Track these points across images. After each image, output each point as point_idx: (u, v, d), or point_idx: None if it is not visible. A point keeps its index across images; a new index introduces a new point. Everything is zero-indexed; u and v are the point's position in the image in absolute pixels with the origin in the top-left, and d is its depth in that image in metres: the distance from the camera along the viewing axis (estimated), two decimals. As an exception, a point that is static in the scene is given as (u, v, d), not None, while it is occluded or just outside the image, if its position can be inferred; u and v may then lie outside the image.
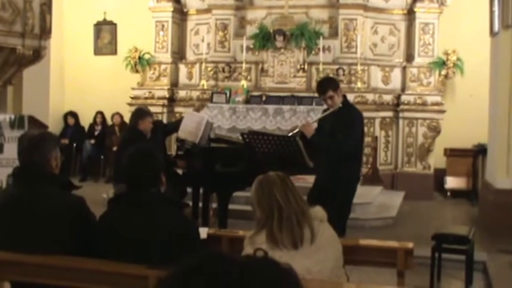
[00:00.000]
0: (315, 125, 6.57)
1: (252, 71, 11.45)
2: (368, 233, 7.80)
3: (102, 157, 12.84)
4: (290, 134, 6.34)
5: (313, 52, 11.13)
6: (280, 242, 3.15)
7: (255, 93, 11.00)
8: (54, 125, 12.07)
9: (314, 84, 10.35)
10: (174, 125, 8.53)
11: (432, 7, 11.34)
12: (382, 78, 11.38)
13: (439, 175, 11.46)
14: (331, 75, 10.92)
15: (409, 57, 11.58)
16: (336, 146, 6.10)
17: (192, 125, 7.70)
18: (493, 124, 8.83)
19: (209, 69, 11.62)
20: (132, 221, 3.27)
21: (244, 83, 11.19)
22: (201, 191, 7.75)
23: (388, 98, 11.26)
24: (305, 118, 7.83)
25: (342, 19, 11.22)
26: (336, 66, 11.06)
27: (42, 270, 3.34)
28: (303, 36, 10.99)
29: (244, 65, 11.26)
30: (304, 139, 6.24)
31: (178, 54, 12.50)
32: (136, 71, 12.47)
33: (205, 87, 11.48)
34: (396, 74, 11.46)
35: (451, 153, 11.58)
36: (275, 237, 3.16)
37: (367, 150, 10.80)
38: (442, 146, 11.49)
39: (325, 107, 6.66)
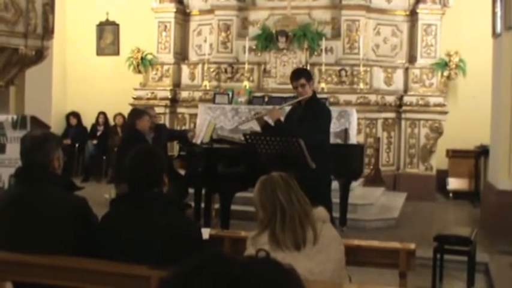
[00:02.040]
0: (282, 111, 6.65)
1: (255, 71, 11.45)
2: (370, 234, 7.79)
3: (104, 158, 12.85)
4: (253, 114, 6.41)
5: (315, 53, 11.13)
6: (283, 243, 3.14)
7: (258, 94, 11.01)
8: (57, 126, 12.09)
9: (316, 85, 10.36)
10: (181, 133, 8.66)
11: (435, 8, 11.34)
12: (384, 79, 11.38)
13: (441, 176, 11.45)
14: (333, 76, 10.98)
15: (412, 58, 11.58)
16: (301, 135, 6.09)
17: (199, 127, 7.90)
18: (495, 125, 8.82)
19: (211, 70, 11.63)
20: (134, 222, 3.27)
21: (246, 83, 11.19)
22: (203, 191, 7.76)
23: (390, 99, 11.26)
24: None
25: (344, 20, 11.22)
26: (339, 67, 11.06)
27: (44, 270, 3.34)
28: (305, 37, 10.99)
29: (246, 66, 11.26)
30: (268, 128, 6.32)
31: (181, 55, 12.51)
32: (139, 72, 12.48)
33: (208, 88, 11.49)
34: (398, 75, 11.45)
35: (453, 154, 11.58)
36: (277, 238, 3.15)
37: (369, 151, 10.82)
38: (444, 147, 11.49)
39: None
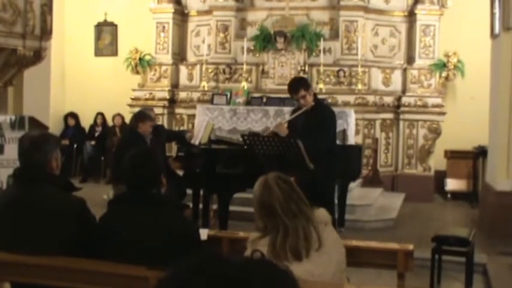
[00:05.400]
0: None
1: (253, 72, 11.45)
2: (368, 234, 7.78)
3: (102, 158, 12.84)
4: (264, 133, 6.39)
5: (313, 54, 11.13)
6: (283, 257, 3.05)
7: (256, 95, 11.00)
8: (55, 126, 12.07)
9: (315, 85, 10.37)
10: (179, 134, 8.66)
11: (433, 9, 11.34)
12: (382, 80, 11.38)
13: (440, 177, 11.45)
14: (331, 77, 10.98)
15: (410, 59, 11.58)
16: (312, 145, 6.08)
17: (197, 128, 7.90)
18: (493, 126, 8.82)
19: (210, 70, 11.62)
20: (132, 222, 3.27)
21: (244, 84, 11.19)
22: (201, 192, 7.75)
23: (388, 99, 11.26)
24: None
25: (342, 21, 11.22)
26: (337, 68, 11.05)
27: (42, 271, 3.34)
28: (303, 37, 10.99)
29: (244, 67, 11.26)
30: None
31: (179, 56, 12.50)
32: (137, 72, 12.47)
33: (206, 88, 11.48)
34: (397, 76, 11.46)
35: (452, 155, 11.58)
36: (278, 252, 3.07)
37: (367, 152, 10.82)
38: (442, 148, 11.49)
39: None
